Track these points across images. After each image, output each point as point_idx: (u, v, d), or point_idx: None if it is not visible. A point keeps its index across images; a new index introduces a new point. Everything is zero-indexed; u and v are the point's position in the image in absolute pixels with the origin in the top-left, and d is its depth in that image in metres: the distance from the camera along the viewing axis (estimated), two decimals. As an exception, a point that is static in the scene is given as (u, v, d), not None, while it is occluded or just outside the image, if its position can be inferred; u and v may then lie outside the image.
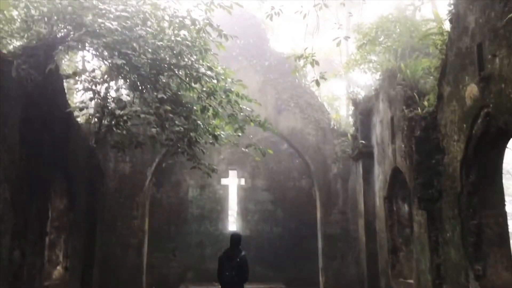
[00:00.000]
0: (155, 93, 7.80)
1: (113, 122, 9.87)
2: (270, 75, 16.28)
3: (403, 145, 9.82)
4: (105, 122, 10.37)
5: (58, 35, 8.84)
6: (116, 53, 7.30)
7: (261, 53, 16.60)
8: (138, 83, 8.73)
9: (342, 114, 18.83)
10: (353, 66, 13.95)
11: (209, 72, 7.85)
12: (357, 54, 13.66)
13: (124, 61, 7.21)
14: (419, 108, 9.17)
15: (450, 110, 7.78)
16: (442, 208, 8.17)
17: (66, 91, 9.81)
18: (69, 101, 14.61)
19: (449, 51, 7.86)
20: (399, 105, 10.18)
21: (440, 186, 8.23)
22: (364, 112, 12.87)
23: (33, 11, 8.68)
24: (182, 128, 8.11)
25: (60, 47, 8.77)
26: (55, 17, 8.05)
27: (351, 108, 14.56)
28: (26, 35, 9.02)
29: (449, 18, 7.61)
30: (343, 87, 24.41)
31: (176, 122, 8.15)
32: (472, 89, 6.97)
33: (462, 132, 7.34)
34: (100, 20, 6.82)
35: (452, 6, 7.61)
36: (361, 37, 12.85)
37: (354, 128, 13.81)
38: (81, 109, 7.84)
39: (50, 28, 8.49)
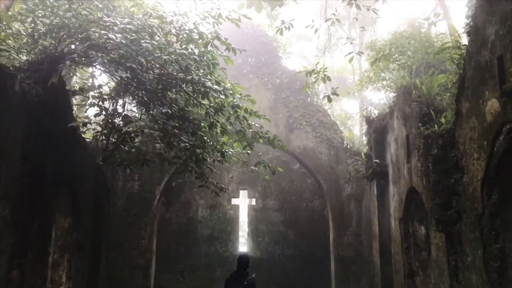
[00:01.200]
0: (161, 108, 7.55)
1: (120, 139, 9.68)
2: (281, 93, 16.07)
3: (419, 164, 9.41)
4: (112, 139, 10.18)
5: (64, 50, 8.70)
6: (121, 68, 7.09)
7: (272, 71, 16.41)
8: (145, 98, 8.51)
9: (355, 133, 18.49)
10: (366, 84, 13.64)
11: (216, 87, 7.59)
12: (370, 71, 13.34)
13: (129, 75, 6.99)
14: (435, 125, 8.80)
15: (469, 127, 7.38)
16: (461, 231, 7.71)
17: (73, 107, 9.61)
18: (78, 118, 14.51)
19: (467, 65, 7.50)
20: (415, 122, 9.81)
21: (459, 207, 7.79)
22: (378, 130, 12.49)
23: (40, 26, 8.57)
24: (188, 145, 7.82)
25: (66, 62, 8.67)
26: (61, 32, 7.89)
27: (365, 126, 14.19)
28: (32, 50, 8.90)
29: (466, 31, 7.28)
30: (356, 106, 24.10)
31: (183, 138, 7.87)
32: (492, 104, 6.59)
33: (482, 149, 6.93)
34: (103, 32, 6.63)
35: (470, 19, 7.28)
36: (374, 53, 12.55)
37: (367, 146, 13.42)
38: (84, 124, 7.59)
39: (56, 42, 8.34)
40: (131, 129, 9.26)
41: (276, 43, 17.24)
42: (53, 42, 8.73)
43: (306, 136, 15.79)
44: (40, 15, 8.06)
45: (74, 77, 11.83)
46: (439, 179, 8.38)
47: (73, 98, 11.01)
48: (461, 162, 7.74)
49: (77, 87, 10.05)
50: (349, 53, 9.22)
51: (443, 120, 8.65)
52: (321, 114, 16.14)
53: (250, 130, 8.51)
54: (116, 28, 6.87)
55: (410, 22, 15.70)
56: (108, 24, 6.90)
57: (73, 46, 8.71)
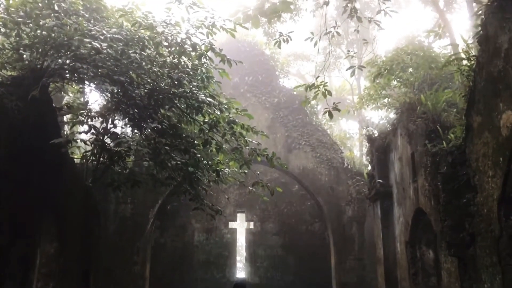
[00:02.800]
0: (151, 124, 7.05)
1: (110, 159, 9.17)
2: (279, 112, 15.64)
3: (426, 184, 8.88)
4: (102, 159, 9.67)
5: (51, 65, 8.23)
6: (109, 82, 6.61)
7: (270, 90, 16.02)
8: (136, 116, 8.01)
9: (356, 154, 18.00)
10: (366, 102, 13.17)
11: (209, 99, 7.12)
12: (371, 88, 12.91)
13: (119, 90, 6.51)
14: (443, 142, 8.30)
15: (482, 142, 6.88)
16: (476, 255, 7.12)
17: (62, 125, 9.11)
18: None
19: (477, 77, 7.04)
20: (421, 139, 9.32)
21: (473, 229, 7.22)
22: (380, 149, 11.99)
23: (25, 40, 8.13)
24: (180, 163, 7.29)
25: (53, 77, 8.22)
26: (46, 45, 7.43)
27: (366, 145, 13.71)
28: (17, 65, 8.44)
29: (477, 39, 6.84)
30: (356, 126, 23.70)
31: (173, 155, 7.35)
32: (508, 117, 6.10)
33: (498, 166, 6.41)
34: (87, 40, 6.17)
35: (480, 28, 6.86)
36: (375, 70, 12.14)
37: (370, 166, 12.90)
38: (67, 142, 7.06)
39: (41, 56, 7.88)
40: (121, 148, 8.77)
41: (273, 62, 16.91)
42: (38, 56, 8.29)
43: (306, 156, 15.28)
44: (26, 29, 7.62)
45: (66, 94, 11.40)
46: (449, 199, 7.83)
47: (64, 116, 10.53)
48: (474, 180, 7.21)
49: (65, 104, 9.55)
50: (350, 67, 8.78)
51: (451, 136, 8.16)
52: (320, 134, 15.67)
53: (247, 147, 8.00)
54: (102, 38, 6.42)
55: (410, 39, 15.36)
56: (93, 33, 6.45)
57: (60, 61, 8.27)
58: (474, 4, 12.23)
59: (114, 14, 7.71)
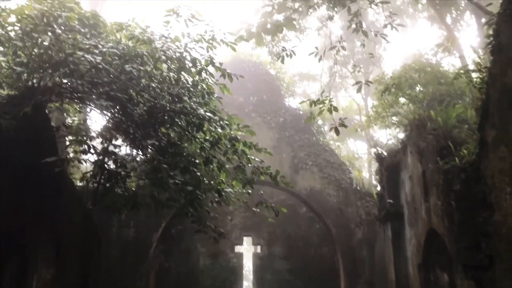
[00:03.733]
0: (148, 141, 6.77)
1: (111, 180, 8.90)
2: (285, 132, 15.33)
3: (439, 203, 8.47)
4: (102, 180, 9.38)
5: (48, 83, 8.03)
6: (104, 97, 6.37)
7: (275, 110, 15.76)
8: (135, 133, 7.74)
9: (365, 175, 17.59)
10: (375, 120, 12.85)
11: (209, 114, 6.83)
12: (379, 106, 12.60)
13: (112, 103, 6.26)
14: (456, 159, 7.92)
15: (498, 157, 6.49)
16: (495, 278, 6.67)
17: (62, 144, 8.87)
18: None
19: (491, 89, 6.71)
20: (432, 157, 8.95)
21: (491, 250, 6.77)
22: (390, 168, 11.59)
23: (22, 58, 7.95)
24: (180, 182, 6.96)
25: (51, 96, 8.02)
26: (44, 63, 7.22)
27: (375, 164, 13.31)
28: (14, 84, 8.24)
29: (489, 50, 6.53)
30: (364, 146, 23.34)
31: (172, 173, 7.03)
32: (526, 129, 5.74)
33: (516, 182, 6.02)
34: (80, 53, 5.94)
35: (492, 37, 6.56)
36: (382, 87, 11.86)
37: (379, 186, 12.48)
38: (61, 161, 6.77)
39: (38, 75, 7.67)
40: (120, 170, 8.50)
41: (278, 81, 16.71)
42: (35, 74, 8.09)
43: (313, 177, 14.89)
44: (21, 45, 7.43)
45: (67, 115, 11.21)
46: (464, 219, 7.43)
47: (66, 137, 10.31)
48: (490, 198, 6.80)
49: (62, 123, 9.31)
50: (357, 83, 8.50)
51: (464, 152, 7.78)
52: (328, 154, 15.31)
53: (249, 165, 7.66)
54: (97, 52, 6.20)
55: (417, 57, 15.09)
56: (88, 47, 6.24)
57: (57, 79, 8.07)
58: (483, 19, 11.98)
59: (113, 31, 7.52)
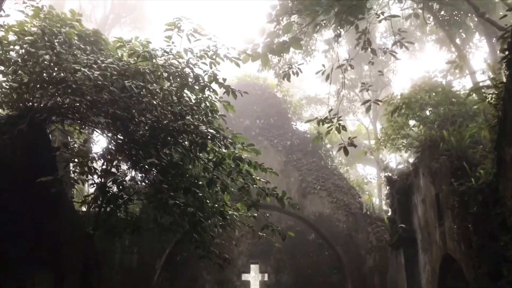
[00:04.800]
0: (148, 160, 6.50)
1: (114, 204, 8.62)
2: (293, 156, 15.02)
3: (455, 226, 8.05)
4: (105, 204, 9.09)
5: (48, 103, 7.83)
6: (103, 114, 6.14)
7: (282, 133, 15.48)
8: (138, 155, 7.47)
9: (375, 200, 17.14)
10: (384, 143, 12.48)
11: (212, 131, 6.55)
12: (388, 128, 12.26)
13: (111, 120, 6.03)
14: (472, 180, 7.54)
15: (518, 177, 6.12)
16: (519, 307, 6.20)
17: (56, 164, 8.61)
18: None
19: (507, 105, 6.38)
20: (446, 178, 8.57)
21: (513, 277, 6.34)
22: (401, 192, 11.19)
23: (24, 78, 7.79)
24: (182, 204, 6.64)
25: (52, 116, 7.84)
26: (44, 84, 7.04)
27: (385, 189, 12.91)
28: (14, 104, 8.07)
29: (504, 63, 6.24)
30: (374, 171, 22.92)
31: (172, 194, 6.71)
32: (548, 146, 5.39)
33: (539, 203, 5.63)
34: (77, 67, 5.74)
35: (507, 51, 6.27)
36: (391, 108, 11.56)
37: (391, 210, 12.04)
38: (57, 181, 6.49)
39: (39, 94, 7.49)
40: (122, 193, 8.21)
41: (285, 104, 16.51)
42: (37, 95, 7.92)
43: (321, 202, 14.48)
44: (21, 63, 7.28)
45: (70, 136, 11.02)
46: (483, 243, 7.02)
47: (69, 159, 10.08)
48: (510, 220, 6.39)
49: (63, 144, 9.09)
50: (366, 101, 8.22)
51: (481, 172, 7.41)
52: (336, 178, 14.93)
53: (254, 186, 7.34)
54: (95, 66, 6.00)
55: (426, 79, 14.79)
56: (86, 62, 6.05)
57: (59, 99, 7.88)
58: (494, 39, 11.75)
59: (114, 48, 7.36)
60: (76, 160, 8.67)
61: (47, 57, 6.47)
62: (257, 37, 10.11)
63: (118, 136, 7.88)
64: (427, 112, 11.38)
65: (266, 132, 15.37)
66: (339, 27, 9.26)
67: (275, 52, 10.31)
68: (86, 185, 11.09)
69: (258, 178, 7.34)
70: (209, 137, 6.60)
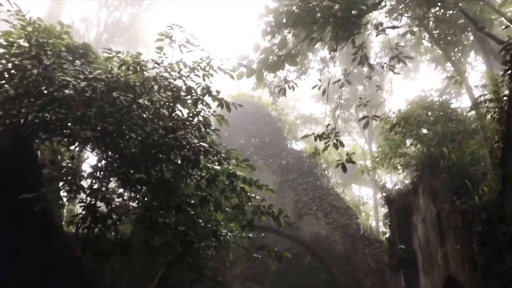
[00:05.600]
0: (136, 175, 6.18)
1: (103, 225, 8.22)
2: (288, 175, 14.71)
3: (458, 247, 7.74)
4: (94, 225, 8.69)
5: (35, 119, 7.52)
6: (91, 129, 5.85)
7: (277, 152, 15.21)
8: (128, 173, 7.14)
9: (372, 220, 16.78)
10: (381, 161, 12.22)
11: (204, 144, 6.25)
12: (386, 146, 12.02)
13: (98, 134, 5.74)
14: (476, 197, 7.26)
15: (525, 193, 5.85)
16: (529, 331, 5.85)
17: (41, 181, 8.26)
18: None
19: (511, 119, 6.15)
20: (447, 197, 8.30)
21: (523, 299, 6.00)
22: (400, 211, 10.88)
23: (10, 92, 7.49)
24: (171, 223, 6.29)
25: (39, 132, 7.54)
26: (31, 98, 6.75)
27: (383, 210, 12.60)
28: (0, 120, 7.75)
29: (508, 75, 6.04)
30: (369, 191, 22.60)
31: (161, 212, 6.37)
32: (558, 160, 5.14)
33: (549, 220, 5.35)
34: (62, 77, 5.47)
35: (510, 64, 6.07)
36: (388, 126, 11.35)
37: (389, 231, 11.70)
38: (39, 197, 6.13)
39: (25, 109, 7.18)
40: (112, 213, 7.85)
41: (280, 123, 16.28)
42: (23, 110, 7.61)
43: (318, 223, 14.12)
44: (7, 78, 6.98)
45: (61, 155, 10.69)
46: (489, 264, 6.70)
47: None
48: (518, 239, 6.11)
49: (49, 160, 8.74)
50: (364, 117, 7.99)
51: (484, 189, 7.15)
52: (333, 198, 14.60)
53: (249, 204, 7.00)
54: (82, 77, 5.73)
55: (422, 98, 14.65)
56: (72, 72, 5.78)
57: (47, 114, 7.58)
58: (492, 56, 11.64)
59: (104, 62, 7.10)
60: (64, 178, 8.32)
61: (34, 70, 6.20)
62: (251, 53, 9.93)
63: (108, 153, 7.58)
64: (425, 130, 11.17)
65: (261, 151, 15.10)
66: (334, 43, 9.08)
67: (270, 68, 10.10)
68: (77, 206, 10.73)
69: (253, 195, 7.01)
70: (202, 152, 6.29)
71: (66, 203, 14.40)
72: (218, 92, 6.70)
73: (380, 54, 21.46)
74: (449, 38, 12.10)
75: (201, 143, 6.28)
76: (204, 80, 6.67)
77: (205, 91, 6.61)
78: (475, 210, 7.20)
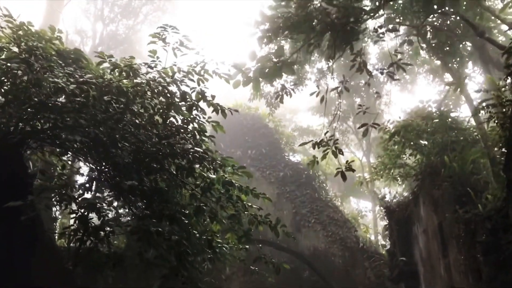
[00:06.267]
0: (127, 182, 5.94)
1: (96, 237, 7.96)
2: (285, 187, 14.47)
3: (462, 257, 7.51)
4: (86, 237, 8.43)
5: (26, 127, 7.30)
6: (81, 136, 5.64)
7: (275, 164, 14.99)
8: (117, 179, 6.91)
9: (372, 233, 16.52)
10: (380, 172, 12.03)
11: (199, 149, 6.04)
12: (385, 157, 11.84)
13: (82, 138, 5.53)
14: (479, 206, 7.06)
15: (531, 200, 5.65)
16: None
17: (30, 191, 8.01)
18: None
19: (515, 124, 5.99)
20: (449, 206, 8.09)
21: (532, 311, 5.76)
22: (401, 222, 10.64)
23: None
24: (165, 232, 6.04)
25: (30, 142, 7.34)
26: (23, 106, 6.53)
27: (382, 222, 12.36)
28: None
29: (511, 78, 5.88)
30: (368, 203, 22.34)
31: (154, 221, 6.12)
32: None
33: (557, 227, 5.14)
34: (52, 80, 5.27)
35: (513, 67, 5.92)
36: (387, 136, 11.19)
37: (390, 242, 11.44)
38: (26, 206, 5.88)
39: (16, 118, 6.97)
40: (105, 225, 7.60)
41: (278, 135, 16.08)
42: (14, 119, 7.39)
43: (316, 236, 13.85)
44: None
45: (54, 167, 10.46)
46: (494, 274, 6.49)
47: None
48: (525, 248, 5.89)
49: (39, 170, 8.50)
50: (363, 125, 7.79)
51: (488, 197, 6.95)
52: (331, 210, 14.36)
53: (246, 213, 6.76)
54: (72, 80, 5.53)
55: (420, 109, 14.53)
56: (62, 75, 5.58)
57: (37, 123, 7.36)
58: (491, 65, 11.53)
59: (95, 67, 6.91)
60: (56, 188, 8.08)
61: (25, 77, 6.01)
62: (248, 61, 9.78)
63: (102, 163, 7.37)
64: (424, 141, 11.01)
65: (258, 163, 14.87)
66: (332, 51, 8.94)
67: (267, 77, 9.96)
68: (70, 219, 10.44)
69: (249, 204, 6.77)
70: (197, 158, 6.08)
71: (59, 217, 14.09)
72: (213, 97, 6.50)
73: (377, 66, 21.38)
74: (447, 47, 11.99)
75: (196, 148, 6.06)
76: (198, 85, 6.48)
77: (200, 96, 6.42)
78: (479, 219, 7.00)
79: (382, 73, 8.15)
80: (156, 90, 6.31)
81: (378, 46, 22.58)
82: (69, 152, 8.10)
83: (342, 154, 7.50)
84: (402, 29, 12.95)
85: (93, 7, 25.25)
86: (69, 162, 9.78)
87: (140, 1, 25.45)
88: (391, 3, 10.34)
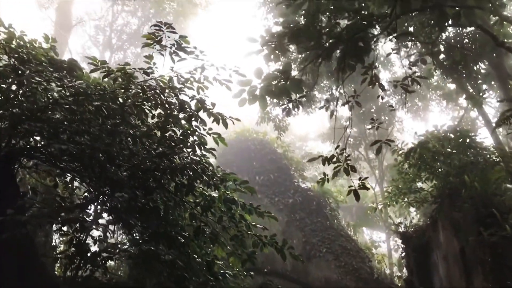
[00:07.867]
0: (117, 194, 5.46)
1: (92, 265, 7.44)
2: (295, 215, 13.84)
3: (488, 284, 6.81)
4: (81, 263, 7.89)
5: (19, 142, 6.90)
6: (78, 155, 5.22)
7: (283, 190, 14.39)
8: (114, 202, 6.42)
9: (387, 265, 15.69)
10: (395, 197, 11.41)
11: (197, 159, 5.55)
12: (399, 181, 11.25)
13: (67, 146, 5.09)
14: (507, 227, 6.43)
15: None
16: None
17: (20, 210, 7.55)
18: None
19: (545, 133, 5.43)
20: (472, 229, 7.46)
21: None
22: (418, 249, 9.94)
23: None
24: (161, 252, 5.49)
25: (22, 158, 6.93)
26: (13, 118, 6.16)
27: (400, 249, 11.63)
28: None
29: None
30: (381, 234, 21.48)
31: (147, 239, 5.59)
32: None
33: None
34: (46, 93, 4.87)
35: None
36: (401, 158, 10.65)
37: (407, 271, 10.69)
38: (16, 223, 5.39)
39: (7, 133, 6.58)
40: (101, 251, 7.09)
41: (286, 160, 15.53)
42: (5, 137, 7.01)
43: (328, 266, 13.09)
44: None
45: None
46: (527, 302, 5.76)
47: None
48: (562, 272, 5.24)
49: (31, 188, 8.07)
50: (376, 141, 7.28)
51: (517, 217, 6.32)
52: (343, 239, 13.64)
53: (250, 233, 6.19)
54: (67, 93, 5.15)
55: (435, 134, 13.98)
56: (55, 85, 5.20)
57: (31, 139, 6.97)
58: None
59: (89, 76, 6.55)
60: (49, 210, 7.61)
61: (20, 90, 5.65)
62: (254, 78, 9.40)
63: (98, 182, 6.92)
64: (441, 163, 10.43)
65: (266, 190, 14.29)
66: (341, 61, 8.53)
67: (274, 95, 9.54)
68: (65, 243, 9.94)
69: (253, 223, 6.21)
70: (197, 173, 5.58)
71: (60, 245, 13.55)
72: (213, 105, 6.06)
73: (387, 92, 20.99)
74: (461, 67, 11.55)
75: (193, 157, 5.58)
76: (198, 93, 6.06)
77: (200, 105, 5.98)
78: (506, 242, 6.36)
79: (395, 86, 7.67)
80: (153, 102, 5.89)
81: (389, 71, 22.33)
82: (67, 174, 7.70)
83: (355, 171, 6.95)
84: (414, 49, 12.59)
85: (101, 35, 25.67)
86: (67, 183, 9.37)
87: (149, 28, 25.78)
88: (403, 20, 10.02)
